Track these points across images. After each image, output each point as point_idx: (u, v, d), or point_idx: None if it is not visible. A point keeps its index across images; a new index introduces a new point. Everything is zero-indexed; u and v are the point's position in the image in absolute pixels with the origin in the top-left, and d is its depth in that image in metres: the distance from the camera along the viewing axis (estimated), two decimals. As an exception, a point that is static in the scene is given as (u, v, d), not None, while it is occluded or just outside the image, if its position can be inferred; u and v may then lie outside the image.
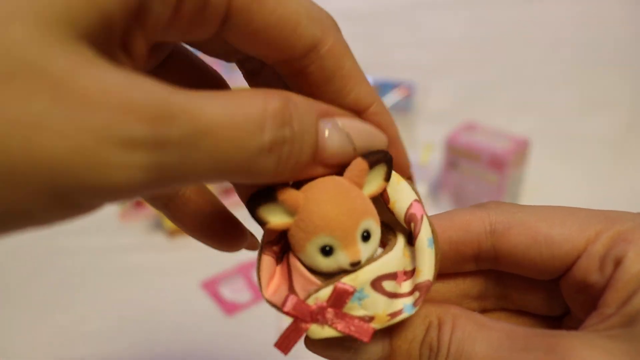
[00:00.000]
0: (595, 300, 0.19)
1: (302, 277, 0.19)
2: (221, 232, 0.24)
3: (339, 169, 0.19)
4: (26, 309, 0.63)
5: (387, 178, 0.20)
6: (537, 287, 0.22)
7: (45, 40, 0.13)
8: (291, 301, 0.18)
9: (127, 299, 0.63)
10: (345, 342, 0.20)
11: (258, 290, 0.64)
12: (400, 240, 0.21)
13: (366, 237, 0.19)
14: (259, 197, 0.18)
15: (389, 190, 0.20)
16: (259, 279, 0.20)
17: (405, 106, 0.86)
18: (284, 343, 0.19)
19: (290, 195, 0.18)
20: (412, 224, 0.20)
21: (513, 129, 0.73)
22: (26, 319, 0.61)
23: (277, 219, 0.19)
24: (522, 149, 0.67)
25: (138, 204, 0.81)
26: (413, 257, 0.20)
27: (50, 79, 0.12)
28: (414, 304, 0.19)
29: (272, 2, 0.18)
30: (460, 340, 0.19)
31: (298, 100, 0.17)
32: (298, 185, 0.19)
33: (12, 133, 0.12)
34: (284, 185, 0.19)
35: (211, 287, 0.65)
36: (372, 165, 0.19)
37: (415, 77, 0.89)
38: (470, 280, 0.23)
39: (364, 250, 0.19)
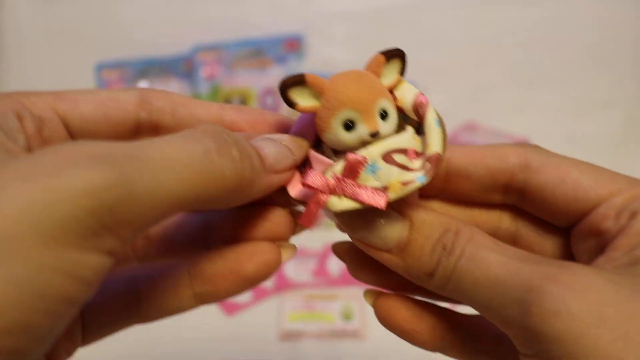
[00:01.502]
0: (603, 247, 0.21)
1: (320, 163, 0.21)
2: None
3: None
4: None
5: (402, 72, 0.22)
6: (549, 236, 0.24)
7: None
8: (311, 175, 0.20)
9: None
10: (367, 216, 0.21)
11: (258, 290, 0.64)
12: (410, 129, 0.22)
13: (384, 115, 0.21)
14: (289, 80, 0.21)
15: (395, 92, 0.22)
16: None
17: (405, 106, 0.86)
18: (307, 217, 0.21)
19: (316, 78, 0.21)
20: (420, 110, 0.22)
21: (513, 129, 0.73)
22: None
23: (305, 101, 0.21)
24: (522, 149, 0.67)
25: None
26: (423, 143, 0.22)
27: None
28: (426, 174, 0.20)
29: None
30: (476, 246, 0.20)
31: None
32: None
33: None
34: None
35: (211, 287, 0.65)
36: (388, 58, 0.22)
37: (415, 77, 0.88)
38: (486, 213, 0.25)
39: (383, 126, 0.21)
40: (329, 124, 0.21)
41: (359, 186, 0.20)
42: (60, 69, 0.87)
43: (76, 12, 0.88)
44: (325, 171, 0.21)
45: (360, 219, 0.21)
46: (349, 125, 0.21)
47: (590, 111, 0.90)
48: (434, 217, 0.22)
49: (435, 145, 0.21)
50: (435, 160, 0.21)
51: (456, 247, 0.20)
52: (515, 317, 0.19)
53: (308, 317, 0.60)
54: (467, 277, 0.20)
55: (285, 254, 0.22)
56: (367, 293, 0.25)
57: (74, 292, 0.15)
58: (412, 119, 0.22)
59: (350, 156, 0.20)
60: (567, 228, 0.23)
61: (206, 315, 0.61)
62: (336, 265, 0.67)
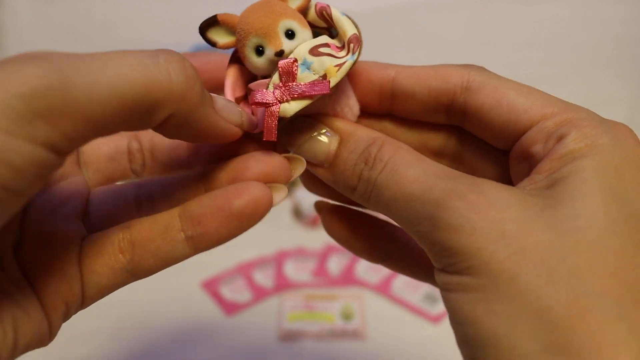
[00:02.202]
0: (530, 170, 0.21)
1: (259, 85, 0.23)
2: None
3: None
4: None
5: None
6: (490, 157, 0.24)
7: None
8: (254, 94, 0.22)
9: (127, 299, 0.63)
10: (304, 132, 0.23)
11: (258, 290, 0.64)
12: (323, 34, 0.24)
13: (290, 34, 0.22)
14: (204, 22, 0.23)
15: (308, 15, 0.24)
16: (224, 86, 0.23)
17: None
18: (268, 132, 0.22)
19: (228, 15, 0.23)
20: (325, 12, 0.23)
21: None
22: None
23: (223, 38, 0.23)
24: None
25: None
26: (339, 39, 0.23)
27: None
28: (353, 53, 0.22)
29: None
30: (396, 162, 0.21)
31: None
32: None
33: None
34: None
35: (211, 287, 0.65)
36: None
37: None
38: (434, 133, 0.25)
39: (288, 44, 0.22)
40: (245, 54, 0.22)
41: (299, 84, 0.22)
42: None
43: (76, 12, 0.88)
44: (267, 86, 0.22)
45: (294, 135, 0.23)
46: (259, 50, 0.22)
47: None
48: (362, 132, 0.23)
49: (350, 29, 0.23)
50: (356, 40, 0.22)
51: (377, 162, 0.21)
52: (426, 232, 0.19)
53: (308, 317, 0.60)
54: (385, 192, 0.21)
55: (276, 194, 0.22)
56: (317, 203, 0.27)
57: (6, 178, 0.15)
58: (323, 30, 0.24)
59: (281, 62, 0.22)
60: (507, 151, 0.23)
61: (206, 315, 0.61)
62: (336, 265, 0.67)
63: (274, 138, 0.22)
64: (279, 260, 0.69)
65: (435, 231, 0.19)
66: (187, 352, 0.56)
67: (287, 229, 0.77)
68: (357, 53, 0.22)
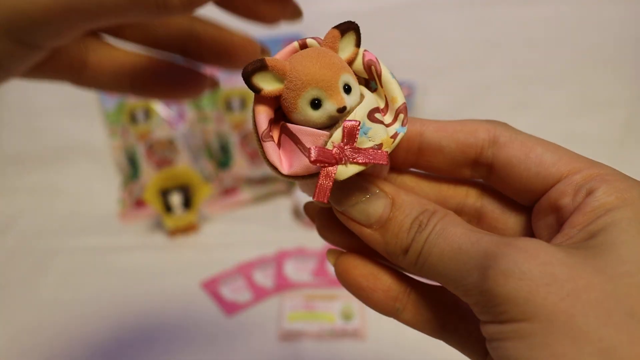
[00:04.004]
0: (561, 225, 0.21)
1: (310, 135, 0.21)
2: (166, 81, 0.26)
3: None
4: (26, 308, 0.63)
5: (358, 44, 0.23)
6: (512, 213, 0.25)
7: None
8: (314, 150, 0.20)
9: (127, 299, 0.63)
10: (353, 192, 0.23)
11: (258, 290, 0.64)
12: (366, 90, 0.23)
13: (347, 89, 0.21)
14: (251, 66, 0.21)
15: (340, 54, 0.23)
16: (271, 162, 0.22)
17: (405, 106, 0.86)
18: (321, 193, 0.21)
19: (277, 61, 0.21)
20: (372, 67, 0.23)
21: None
22: (26, 318, 0.61)
23: (269, 85, 0.21)
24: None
25: (138, 205, 0.81)
26: (380, 98, 0.23)
27: None
28: (402, 124, 0.22)
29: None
30: (446, 223, 0.22)
31: None
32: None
33: None
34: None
35: (211, 287, 0.65)
36: (342, 32, 0.22)
37: (415, 77, 0.89)
38: (454, 189, 0.26)
39: (348, 99, 0.21)
40: (296, 105, 0.21)
41: (359, 150, 0.21)
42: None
43: None
44: (324, 143, 0.21)
45: (346, 195, 0.23)
46: (315, 104, 0.21)
47: (590, 111, 0.90)
48: (414, 198, 0.23)
49: (400, 97, 0.22)
50: (405, 110, 0.22)
51: (430, 224, 0.22)
52: (474, 283, 0.19)
53: (308, 317, 0.60)
54: (434, 249, 0.21)
55: None
56: (329, 252, 0.26)
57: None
58: (360, 79, 0.24)
59: (347, 123, 0.21)
60: (530, 207, 0.24)
61: (206, 315, 0.61)
62: (336, 265, 0.67)
63: (326, 200, 0.21)
64: (279, 260, 0.69)
65: (484, 280, 0.19)
66: (187, 352, 0.56)
67: (287, 229, 0.77)
68: (406, 125, 0.22)
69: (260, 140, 0.22)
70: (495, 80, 0.91)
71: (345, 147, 0.21)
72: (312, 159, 0.20)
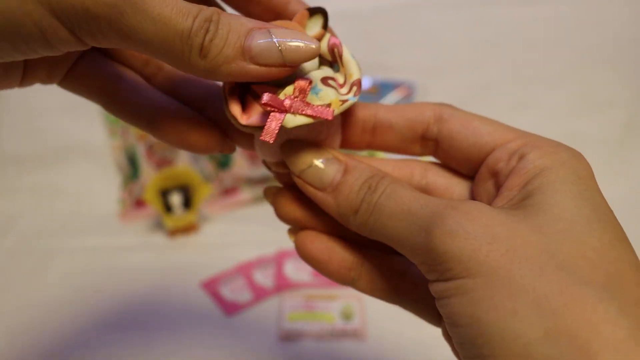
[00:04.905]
0: (498, 189, 0.24)
1: (267, 88, 0.23)
2: (183, 128, 0.27)
3: (274, 76, 0.23)
4: (26, 309, 0.63)
5: (325, 26, 0.25)
6: (455, 187, 0.27)
7: None
8: (266, 95, 0.22)
9: (127, 299, 0.63)
10: (308, 157, 0.25)
11: (258, 290, 0.64)
12: (328, 68, 0.26)
13: None
14: None
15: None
16: (232, 114, 0.24)
17: (405, 106, 0.86)
18: (267, 133, 0.23)
19: None
20: (335, 50, 0.25)
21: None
22: (26, 319, 0.61)
23: None
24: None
25: (138, 205, 0.81)
26: (341, 76, 0.26)
27: None
28: (354, 95, 0.25)
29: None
30: (395, 186, 0.24)
31: (229, 14, 0.22)
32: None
33: None
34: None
35: (211, 287, 0.65)
36: (311, 13, 0.25)
37: (415, 77, 0.89)
38: (399, 169, 0.28)
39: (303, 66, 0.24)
40: None
41: (308, 104, 0.23)
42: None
43: None
44: (277, 94, 0.23)
45: (302, 159, 0.25)
46: None
47: (591, 111, 0.90)
48: (365, 165, 0.25)
49: (356, 73, 0.25)
50: (359, 84, 0.25)
51: (379, 187, 0.24)
52: (422, 243, 0.21)
53: (308, 317, 0.60)
54: (385, 210, 0.23)
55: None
56: (290, 230, 0.29)
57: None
58: (325, 62, 0.26)
59: (299, 81, 0.23)
60: (471, 177, 0.26)
61: (206, 315, 0.61)
62: (336, 265, 0.67)
63: (271, 140, 0.23)
64: (279, 260, 0.69)
65: (431, 239, 0.20)
66: (187, 352, 0.56)
67: (287, 229, 0.77)
68: (357, 96, 0.25)
69: (225, 97, 0.24)
70: (495, 80, 0.91)
71: (295, 99, 0.23)
72: (262, 102, 0.22)
